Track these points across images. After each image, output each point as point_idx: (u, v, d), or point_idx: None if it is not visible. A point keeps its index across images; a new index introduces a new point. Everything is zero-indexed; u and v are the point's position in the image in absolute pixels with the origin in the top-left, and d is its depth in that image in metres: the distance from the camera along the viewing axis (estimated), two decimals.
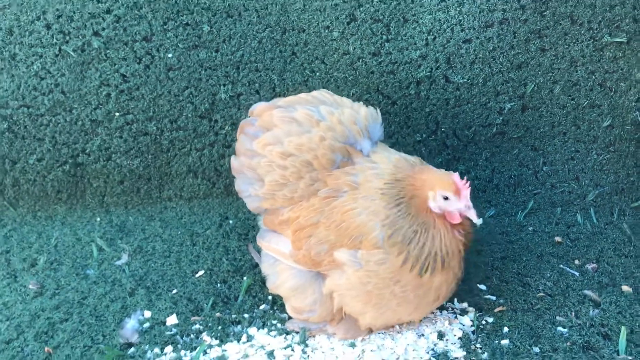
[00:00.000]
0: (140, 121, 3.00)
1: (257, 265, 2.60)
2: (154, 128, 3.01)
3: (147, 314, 2.32)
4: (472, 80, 2.88)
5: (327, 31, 2.90)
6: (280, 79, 2.96)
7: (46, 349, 2.15)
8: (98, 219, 3.10)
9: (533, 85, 2.90)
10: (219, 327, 2.23)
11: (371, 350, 2.06)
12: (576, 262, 2.52)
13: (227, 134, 3.03)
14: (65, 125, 3.00)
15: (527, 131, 2.98)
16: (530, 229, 2.81)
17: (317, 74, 2.95)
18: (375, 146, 2.12)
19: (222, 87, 2.96)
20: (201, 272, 2.59)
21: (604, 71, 2.86)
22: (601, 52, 2.85)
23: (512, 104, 2.92)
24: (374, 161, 2.03)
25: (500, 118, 2.95)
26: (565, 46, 2.85)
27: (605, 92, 2.89)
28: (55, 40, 2.86)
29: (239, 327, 2.23)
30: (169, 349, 2.13)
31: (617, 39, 2.81)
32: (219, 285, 2.49)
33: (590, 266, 2.47)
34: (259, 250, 2.61)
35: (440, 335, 2.12)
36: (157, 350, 2.12)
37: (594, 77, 2.88)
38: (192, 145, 3.05)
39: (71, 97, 2.94)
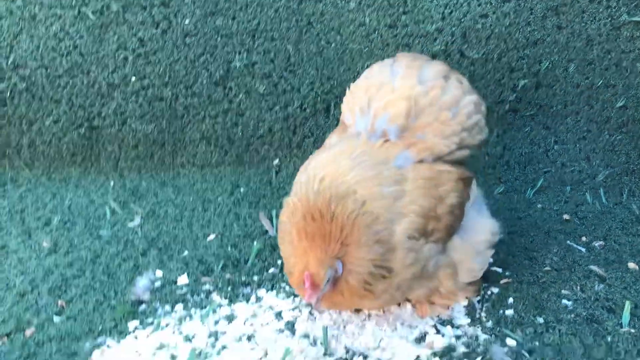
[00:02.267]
0: (156, 86, 3.03)
1: (267, 232, 2.64)
2: (169, 93, 3.04)
3: (159, 273, 2.37)
4: (487, 55, 2.89)
5: (343, 2, 2.90)
6: (295, 49, 2.98)
7: (59, 302, 2.20)
8: (112, 183, 3.14)
9: (548, 63, 2.90)
10: (229, 288, 2.27)
11: (377, 315, 2.09)
12: (583, 239, 2.54)
13: (241, 102, 3.06)
14: (82, 88, 3.04)
15: (539, 109, 2.99)
16: (539, 206, 2.83)
17: (333, 45, 2.96)
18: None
19: (237, 55, 2.98)
20: (212, 236, 2.63)
21: (620, 51, 2.86)
22: (618, 31, 2.84)
23: (526, 81, 2.92)
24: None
25: (514, 95, 2.95)
26: (582, 24, 2.84)
27: (621, 72, 2.89)
28: (74, 2, 2.89)
29: (248, 288, 2.28)
30: (179, 307, 2.17)
31: (636, 18, 2.80)
32: (229, 249, 2.53)
33: (597, 243, 2.49)
34: (270, 218, 2.66)
35: None
36: (167, 307, 2.17)
37: (609, 57, 2.88)
38: (206, 112, 3.08)
39: (89, 60, 2.98)
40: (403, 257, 1.84)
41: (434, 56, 2.91)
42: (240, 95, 3.05)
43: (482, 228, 2.09)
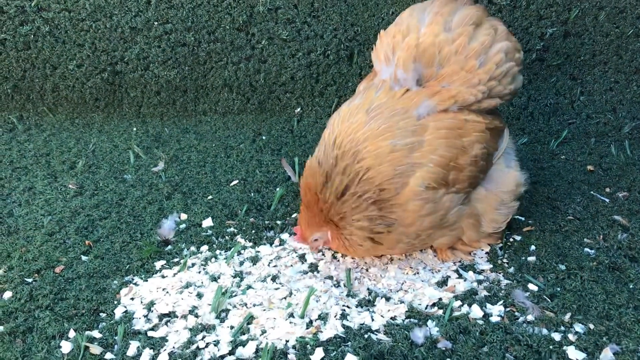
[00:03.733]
0: (179, 31, 3.01)
1: (289, 178, 2.65)
2: (192, 39, 3.02)
3: (184, 216, 2.40)
4: (515, 2, 2.82)
5: None
6: None
7: (87, 242, 2.25)
8: (134, 129, 3.16)
9: (577, 11, 2.83)
10: (253, 231, 2.30)
11: (399, 259, 2.12)
12: (607, 190, 2.53)
13: (264, 49, 3.03)
14: (105, 32, 3.02)
15: (567, 59, 2.94)
16: (563, 157, 2.81)
17: None
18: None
19: None
20: (235, 182, 2.65)
21: None
22: None
23: (554, 29, 2.87)
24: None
25: (541, 44, 2.90)
26: None
27: None
28: None
29: (272, 232, 2.31)
30: (204, 247, 2.21)
31: None
32: (252, 194, 2.55)
33: (621, 194, 2.48)
34: (292, 165, 2.67)
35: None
36: (193, 248, 2.20)
37: None
38: (229, 58, 3.07)
39: (112, 3, 2.96)
40: (417, 209, 1.86)
41: None
42: (263, 42, 3.03)
43: (508, 180, 2.07)
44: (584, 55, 2.91)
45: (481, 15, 2.05)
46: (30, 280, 2.04)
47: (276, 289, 1.98)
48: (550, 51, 2.92)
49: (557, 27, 2.86)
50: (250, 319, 1.83)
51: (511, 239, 2.21)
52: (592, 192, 2.50)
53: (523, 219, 2.33)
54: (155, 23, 2.98)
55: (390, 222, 1.87)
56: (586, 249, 2.14)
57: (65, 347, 1.74)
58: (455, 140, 1.89)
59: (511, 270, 2.04)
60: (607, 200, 2.44)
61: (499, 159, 2.06)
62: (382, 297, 1.93)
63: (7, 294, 1.96)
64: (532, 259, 2.10)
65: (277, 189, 2.55)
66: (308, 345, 1.71)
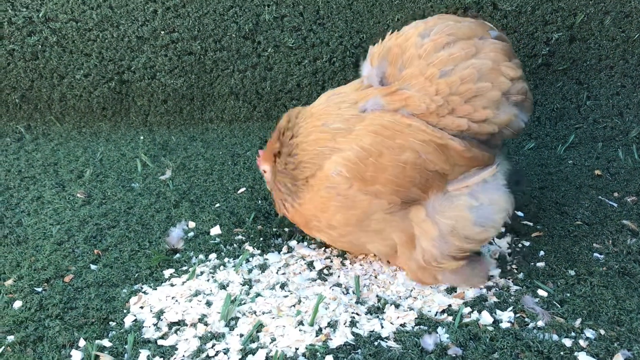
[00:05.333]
0: (185, 40, 3.02)
1: None
2: (198, 47, 3.03)
3: (192, 224, 2.40)
4: (520, 8, 2.83)
5: None
6: (324, 1, 2.94)
7: (96, 251, 2.25)
8: (142, 137, 3.17)
9: (583, 16, 2.83)
10: (261, 239, 2.31)
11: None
12: (615, 194, 2.52)
13: (270, 57, 3.04)
14: (112, 41, 3.04)
15: (573, 63, 2.93)
16: (570, 162, 2.80)
17: None
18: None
19: (266, 7, 2.96)
20: (242, 189, 2.66)
21: None
22: None
23: (559, 34, 2.87)
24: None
25: (547, 49, 2.90)
26: None
27: None
28: None
29: (280, 239, 2.31)
30: (212, 255, 2.21)
31: None
32: (259, 201, 2.56)
33: (629, 199, 2.47)
34: None
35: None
36: (201, 256, 2.21)
37: None
38: (235, 66, 3.08)
39: (118, 13, 2.97)
40: (327, 196, 1.89)
41: (466, 9, 2.86)
42: (269, 49, 3.04)
43: (457, 218, 1.87)
44: (590, 60, 2.91)
45: (473, 31, 1.87)
46: (39, 289, 2.04)
47: (285, 296, 1.98)
48: (556, 56, 2.92)
49: (563, 32, 2.87)
50: (259, 326, 1.83)
51: (520, 245, 2.20)
52: (600, 197, 2.49)
53: (532, 224, 2.32)
54: (162, 32, 3.00)
55: (299, 201, 1.97)
56: (595, 254, 2.13)
57: (76, 356, 1.74)
58: (385, 139, 1.81)
59: (520, 276, 2.04)
60: (616, 205, 2.43)
61: (462, 192, 1.88)
62: (391, 304, 1.93)
63: (17, 304, 1.97)
64: (541, 264, 2.09)
65: None
66: (318, 353, 1.71)
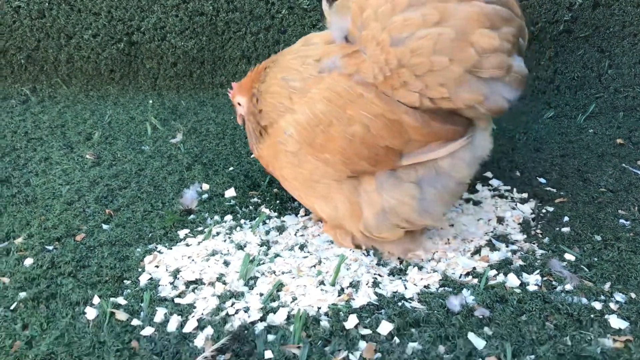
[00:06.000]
0: (197, 0, 2.93)
1: None
2: (210, 8, 2.94)
3: (205, 186, 2.34)
4: None
5: None
6: None
7: (107, 211, 2.19)
8: (150, 101, 3.10)
9: None
10: (277, 202, 2.25)
11: (429, 230, 2.06)
12: (639, 162, 2.46)
13: (284, 19, 2.96)
14: (122, 0, 2.95)
15: (595, 30, 2.86)
16: (591, 131, 2.74)
17: None
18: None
19: None
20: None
21: None
22: None
23: None
24: None
25: (569, 14, 2.82)
26: None
27: None
28: None
29: (296, 202, 2.25)
30: (228, 217, 2.15)
31: None
32: None
33: None
34: None
35: (500, 220, 2.11)
36: (217, 217, 2.15)
37: None
38: (248, 28, 2.99)
39: None
40: (278, 149, 1.85)
41: None
42: (283, 11, 2.95)
43: (399, 199, 1.76)
44: (613, 27, 2.84)
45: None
46: (50, 247, 1.98)
47: (305, 257, 1.92)
48: (579, 22, 2.85)
49: None
50: (279, 286, 1.78)
51: (544, 210, 2.15)
52: (623, 165, 2.44)
53: (555, 190, 2.27)
54: None
55: (260, 145, 1.95)
56: (621, 220, 2.08)
57: (90, 313, 1.68)
58: (337, 107, 1.69)
59: (545, 240, 1.98)
60: None
61: (410, 176, 1.75)
62: (413, 266, 1.87)
63: (28, 261, 1.91)
64: (566, 229, 2.04)
65: None
66: (341, 312, 1.66)
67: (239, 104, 2.05)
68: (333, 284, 1.78)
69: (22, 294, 1.76)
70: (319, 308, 1.69)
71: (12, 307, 1.72)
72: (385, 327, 1.60)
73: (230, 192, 2.29)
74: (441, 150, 1.71)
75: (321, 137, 1.73)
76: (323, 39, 1.81)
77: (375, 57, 1.65)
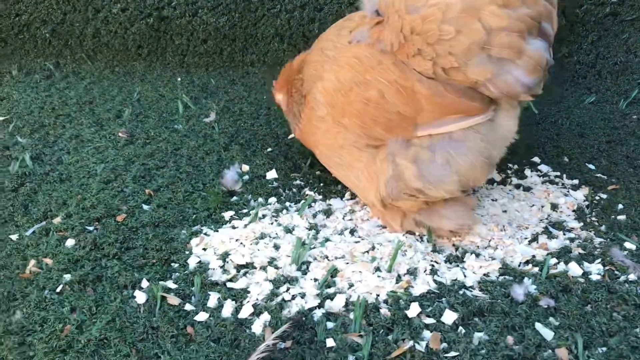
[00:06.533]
0: None
1: None
2: None
3: (245, 167, 2.27)
4: None
5: None
6: None
7: (147, 191, 2.12)
8: (179, 79, 3.02)
9: None
10: (321, 184, 2.18)
11: (482, 216, 2.00)
12: None
13: None
14: None
15: None
16: (635, 117, 2.67)
17: None
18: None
19: None
20: (293, 135, 2.51)
21: None
22: None
23: None
24: None
25: None
26: None
27: None
28: None
29: (340, 185, 2.18)
30: (272, 199, 2.09)
31: None
32: None
33: None
34: None
35: (554, 207, 2.05)
36: (261, 200, 2.08)
37: None
38: (283, 5, 2.89)
39: None
40: (311, 114, 1.92)
41: None
42: None
43: (403, 164, 1.76)
44: None
45: None
46: (91, 228, 1.92)
47: (356, 242, 1.86)
48: (626, 4, 2.76)
49: None
50: (334, 271, 1.72)
51: (597, 197, 2.09)
52: None
53: (606, 177, 2.20)
54: None
55: (301, 119, 2.00)
56: None
57: (140, 297, 1.63)
58: (357, 73, 1.76)
59: (602, 228, 1.92)
60: None
61: (421, 141, 1.74)
62: (471, 253, 1.81)
63: (70, 242, 1.85)
64: (622, 217, 1.98)
65: None
66: (401, 301, 1.60)
67: (279, 101, 2.18)
68: (390, 271, 1.72)
69: (67, 276, 1.70)
70: (378, 295, 1.63)
71: (58, 290, 1.66)
72: (449, 317, 1.55)
73: (271, 174, 2.22)
74: (456, 124, 1.71)
75: (342, 101, 1.80)
76: (361, 14, 1.88)
77: (394, 25, 1.70)
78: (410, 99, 1.70)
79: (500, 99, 1.72)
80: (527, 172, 2.26)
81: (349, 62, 1.78)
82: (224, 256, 1.79)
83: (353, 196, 2.12)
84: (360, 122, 1.78)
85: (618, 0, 2.75)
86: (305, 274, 1.73)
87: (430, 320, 1.54)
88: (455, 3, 1.59)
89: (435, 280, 1.69)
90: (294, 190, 2.15)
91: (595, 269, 1.73)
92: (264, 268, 1.74)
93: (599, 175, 2.22)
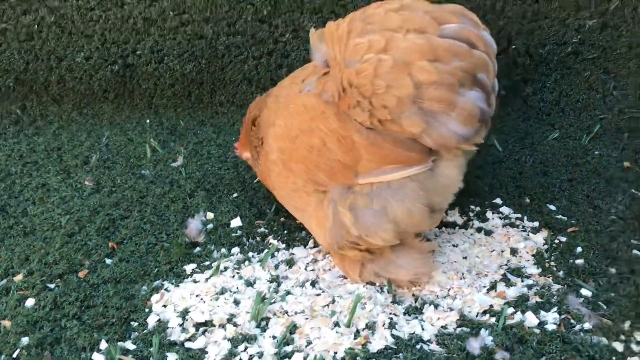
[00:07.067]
0: (196, 22, 2.87)
1: None
2: (210, 31, 2.88)
3: (210, 215, 2.28)
4: None
5: None
6: None
7: (110, 243, 2.12)
8: (148, 121, 3.03)
9: (618, 2, 2.73)
10: (285, 232, 2.20)
11: (442, 263, 2.02)
12: None
13: (287, 42, 2.90)
14: (116, 22, 2.88)
15: (602, 52, 2.84)
16: (597, 152, 2.71)
17: None
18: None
19: None
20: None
21: None
22: None
23: (593, 21, 2.76)
24: None
25: (578, 36, 2.80)
26: None
27: None
28: None
29: (304, 232, 2.19)
30: (235, 249, 2.10)
31: None
32: None
33: None
34: None
35: (513, 252, 2.08)
36: (223, 250, 2.09)
37: None
38: (250, 52, 2.92)
39: None
40: (265, 156, 2.01)
41: None
42: (287, 35, 2.89)
43: (341, 211, 1.80)
44: (620, 48, 2.81)
45: (416, 22, 1.65)
46: (52, 285, 1.92)
47: (317, 295, 1.87)
48: (586, 44, 2.82)
49: (596, 18, 2.76)
50: (293, 328, 1.73)
51: (556, 240, 2.12)
52: (632, 190, 2.41)
53: (565, 218, 2.24)
54: (171, 13, 2.83)
55: (260, 162, 2.07)
56: (635, 251, 2.05)
57: (98, 359, 1.62)
58: (303, 121, 1.84)
59: (560, 274, 1.95)
60: None
61: (361, 189, 1.79)
62: (429, 304, 1.83)
63: (30, 302, 1.84)
64: (580, 261, 2.00)
65: None
66: (358, 358, 1.61)
67: (247, 158, 2.27)
68: (349, 326, 1.73)
69: (25, 340, 1.69)
70: (335, 353, 1.64)
71: (14, 355, 1.65)
72: None
73: (236, 222, 2.23)
74: (395, 173, 1.76)
75: (289, 147, 1.89)
76: (313, 64, 1.96)
77: (336, 77, 1.78)
78: (350, 148, 1.77)
79: (441, 150, 1.76)
80: (489, 214, 2.29)
81: (297, 110, 1.87)
82: (184, 313, 1.79)
83: (316, 244, 2.13)
84: (305, 168, 1.86)
85: (579, 40, 2.81)
86: (265, 330, 1.73)
87: None
88: (387, 59, 1.64)
89: (393, 335, 1.70)
90: (258, 238, 2.16)
91: (552, 318, 1.75)
92: (223, 326, 1.74)
93: (559, 216, 2.24)
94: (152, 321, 1.77)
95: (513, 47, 2.85)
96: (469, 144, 1.73)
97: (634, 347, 1.63)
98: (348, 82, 1.72)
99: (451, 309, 1.81)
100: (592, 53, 2.84)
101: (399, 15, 1.67)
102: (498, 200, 2.37)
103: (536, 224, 2.22)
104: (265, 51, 2.93)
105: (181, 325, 1.76)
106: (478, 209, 2.33)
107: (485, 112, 1.70)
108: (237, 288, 1.90)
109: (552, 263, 2.01)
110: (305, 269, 2.01)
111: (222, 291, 1.88)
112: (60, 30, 2.90)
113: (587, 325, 1.72)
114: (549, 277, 1.94)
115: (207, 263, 2.03)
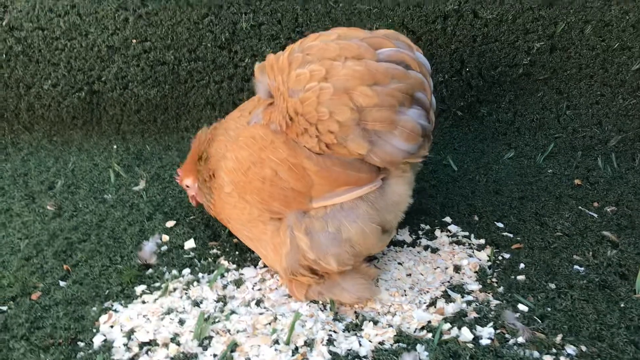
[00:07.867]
0: (158, 49, 2.95)
1: None
2: (172, 57, 2.96)
3: (165, 237, 2.33)
4: (501, 16, 2.81)
5: None
6: (302, 9, 2.89)
7: (65, 266, 2.18)
8: (115, 147, 3.10)
9: (564, 25, 2.82)
10: (236, 253, 2.25)
11: (385, 280, 2.07)
12: (595, 204, 2.50)
13: (247, 67, 2.98)
14: (81, 51, 2.96)
15: (553, 73, 2.92)
16: (550, 171, 2.78)
17: (341, 5, 2.88)
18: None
19: (243, 15, 2.90)
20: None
21: (638, 11, 2.77)
22: None
23: (541, 43, 2.85)
24: None
25: (528, 58, 2.88)
26: None
27: (638, 34, 2.81)
28: None
29: (255, 253, 2.24)
30: (186, 271, 2.15)
31: None
32: None
33: (609, 209, 2.45)
34: None
35: (457, 269, 2.13)
36: (175, 272, 2.14)
37: (627, 18, 2.79)
38: (211, 77, 3.01)
39: (87, 21, 2.90)
40: (219, 190, 2.02)
41: (446, 17, 2.83)
42: (247, 59, 2.97)
43: (298, 236, 1.86)
44: (570, 69, 2.90)
45: (353, 50, 1.72)
46: (4, 308, 1.96)
47: (260, 313, 1.92)
48: (537, 65, 2.90)
49: (544, 41, 2.84)
50: (234, 346, 1.77)
51: (500, 257, 2.17)
52: (580, 207, 2.47)
53: (512, 235, 2.29)
54: (134, 41, 2.92)
55: (213, 197, 2.07)
56: (576, 267, 2.11)
57: None
58: (253, 152, 1.87)
59: (501, 289, 2.00)
60: (596, 215, 2.41)
61: (316, 213, 1.85)
62: (369, 321, 1.88)
63: None
64: (521, 277, 2.06)
65: None
66: None
67: (187, 186, 2.26)
68: (287, 343, 1.77)
69: None
70: None
71: None
72: None
73: (189, 244, 2.29)
74: (346, 195, 1.83)
75: (242, 179, 1.91)
76: (258, 96, 2.02)
77: (281, 107, 1.83)
78: (301, 175, 1.82)
79: (388, 167, 1.84)
80: (437, 232, 2.34)
81: (246, 142, 1.90)
82: (130, 333, 1.84)
83: (265, 265, 2.18)
84: (260, 199, 1.89)
85: (529, 61, 2.89)
86: (206, 349, 1.78)
87: None
88: (328, 86, 1.70)
89: (330, 352, 1.74)
90: (210, 260, 2.21)
91: (487, 333, 1.80)
92: (166, 345, 1.79)
93: (505, 234, 2.30)
94: (98, 341, 1.81)
95: (467, 69, 2.92)
96: (415, 157, 1.82)
97: (562, 359, 1.68)
98: (294, 110, 1.77)
99: (390, 325, 1.86)
100: (543, 74, 2.92)
101: (336, 44, 1.74)
102: (448, 219, 2.42)
103: (482, 241, 2.27)
104: (226, 75, 3.01)
105: (126, 345, 1.80)
106: (428, 227, 2.39)
107: (426, 128, 1.79)
108: (184, 308, 1.95)
109: (494, 279, 2.06)
110: (253, 288, 2.06)
111: (169, 311, 1.93)
112: (28, 59, 2.97)
113: (520, 340, 1.77)
114: (489, 293, 1.99)
115: (157, 284, 2.08)
